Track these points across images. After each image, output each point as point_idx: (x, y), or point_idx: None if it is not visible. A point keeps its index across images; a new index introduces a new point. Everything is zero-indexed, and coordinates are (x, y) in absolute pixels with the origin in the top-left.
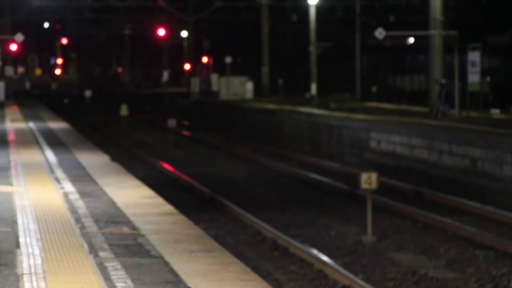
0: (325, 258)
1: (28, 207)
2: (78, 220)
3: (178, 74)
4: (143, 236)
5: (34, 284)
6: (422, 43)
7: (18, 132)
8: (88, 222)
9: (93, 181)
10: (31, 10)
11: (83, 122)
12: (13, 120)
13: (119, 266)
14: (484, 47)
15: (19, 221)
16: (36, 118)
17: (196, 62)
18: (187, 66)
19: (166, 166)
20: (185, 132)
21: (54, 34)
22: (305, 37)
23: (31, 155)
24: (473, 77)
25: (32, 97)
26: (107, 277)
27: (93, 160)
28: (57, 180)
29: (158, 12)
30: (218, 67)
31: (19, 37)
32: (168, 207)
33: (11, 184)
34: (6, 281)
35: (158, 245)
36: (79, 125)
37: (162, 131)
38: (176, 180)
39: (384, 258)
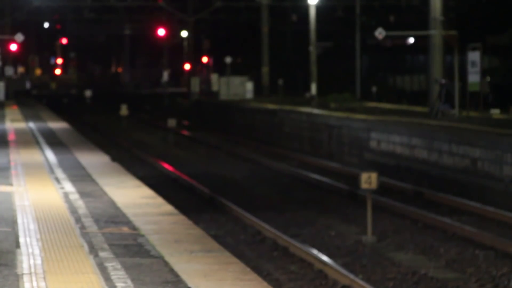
0: (325, 258)
1: (28, 207)
2: (78, 220)
3: (178, 74)
4: (143, 236)
5: (34, 284)
6: (422, 43)
7: (18, 132)
8: (88, 222)
9: (93, 181)
10: (31, 10)
11: (83, 122)
12: (13, 120)
13: (119, 266)
14: (484, 47)
15: (19, 221)
16: (36, 118)
17: (196, 62)
18: (187, 66)
19: (166, 166)
20: (185, 132)
21: (54, 34)
22: (305, 37)
23: (31, 155)
24: (473, 77)
25: (31, 97)
26: (107, 277)
27: (93, 160)
28: (57, 180)
29: (158, 12)
30: (218, 67)
31: (19, 37)
32: (168, 207)
33: (11, 184)
34: (6, 281)
35: (158, 245)
36: (79, 125)
37: (162, 131)
38: (176, 180)
39: (384, 258)
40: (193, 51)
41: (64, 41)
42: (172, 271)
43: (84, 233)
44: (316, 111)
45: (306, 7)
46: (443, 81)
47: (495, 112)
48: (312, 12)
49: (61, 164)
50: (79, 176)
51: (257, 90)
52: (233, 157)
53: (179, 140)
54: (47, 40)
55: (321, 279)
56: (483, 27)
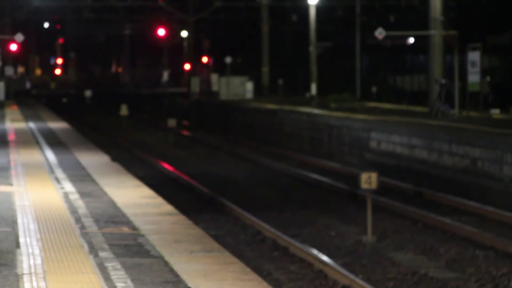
0: (325, 258)
1: (28, 207)
2: (78, 220)
3: (178, 74)
4: (143, 236)
5: (34, 284)
6: (422, 43)
7: (18, 132)
8: (88, 222)
9: (93, 181)
10: (31, 10)
11: (83, 122)
12: (13, 120)
13: (119, 266)
14: (484, 47)
15: (19, 221)
16: (36, 118)
17: (196, 62)
18: (187, 66)
19: (166, 166)
20: (185, 132)
21: (54, 34)
22: (305, 37)
23: (31, 155)
24: (473, 77)
25: (31, 97)
26: (107, 277)
27: (93, 160)
28: (57, 180)
29: (158, 12)
30: (218, 67)
31: (19, 37)
32: (168, 207)
33: (11, 184)
34: (6, 281)
35: (158, 245)
36: (79, 125)
37: (162, 131)
38: (176, 180)
39: (384, 258)
40: (193, 51)
41: (64, 41)
42: (172, 271)
43: (84, 233)
44: (316, 111)
45: (306, 7)
46: (443, 81)
47: (495, 112)
48: (312, 12)
49: (61, 164)
50: (79, 176)
51: (257, 90)
52: (233, 157)
53: (179, 140)
54: (47, 40)
55: (321, 279)
56: (483, 27)
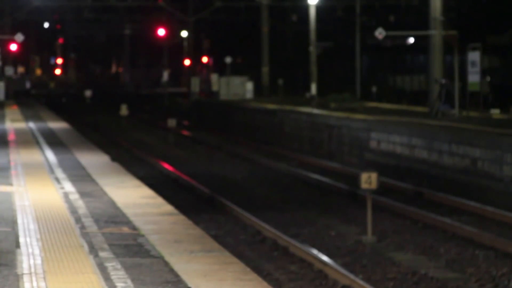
0: (325, 258)
1: (28, 207)
2: (78, 220)
3: (178, 74)
4: (143, 236)
5: (34, 284)
6: (422, 43)
7: (18, 132)
8: (88, 222)
9: (93, 181)
10: (31, 10)
11: (83, 122)
12: (13, 120)
13: (119, 266)
14: (484, 47)
15: (19, 221)
16: (36, 118)
17: (196, 62)
18: (187, 62)
19: (166, 166)
20: (185, 132)
21: (54, 34)
22: (305, 37)
23: (31, 155)
24: (473, 77)
25: (31, 97)
26: (107, 277)
27: (93, 160)
28: (57, 180)
29: (158, 12)
30: (218, 67)
31: (19, 37)
32: (168, 207)
33: (11, 184)
34: (6, 281)
35: (158, 245)
36: (79, 125)
37: (162, 131)
38: (176, 180)
39: (384, 258)
40: (193, 51)
41: (64, 41)
42: (172, 271)
43: (84, 233)
44: (316, 111)
45: (306, 7)
46: (443, 81)
47: (495, 112)
48: (312, 12)
49: (61, 164)
50: (79, 176)
51: (257, 90)
52: (233, 157)
53: (179, 140)
54: (47, 40)
55: (321, 279)
56: (483, 27)
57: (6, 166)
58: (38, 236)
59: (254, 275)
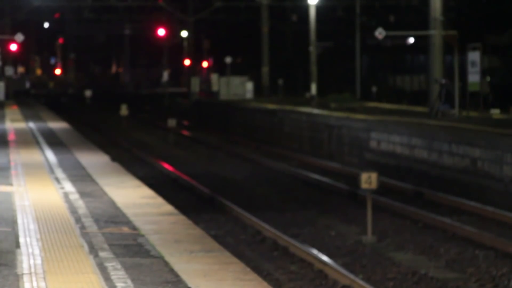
0: (325, 258)
1: (28, 207)
2: (78, 220)
3: (178, 74)
4: (143, 236)
5: (34, 284)
6: (422, 43)
7: (18, 132)
8: (88, 222)
9: (93, 181)
10: (31, 10)
11: (83, 122)
12: (13, 120)
13: (119, 266)
14: (484, 47)
15: (19, 221)
16: (36, 118)
17: (196, 62)
18: (187, 62)
19: (166, 166)
20: (185, 132)
21: (54, 34)
22: (305, 37)
23: (31, 155)
24: (473, 77)
25: (31, 97)
26: (107, 277)
27: (93, 160)
28: (57, 180)
29: (158, 12)
30: (218, 67)
31: (19, 37)
32: (168, 207)
33: (11, 184)
34: (6, 281)
35: (158, 245)
36: (79, 125)
37: (162, 131)
38: (176, 180)
39: (384, 258)
40: (193, 51)
41: (64, 41)
42: (172, 271)
43: (84, 233)
44: (316, 111)
45: (306, 7)
46: (443, 81)
47: (495, 112)
48: (312, 12)
49: (61, 164)
50: (79, 176)
51: (257, 90)
52: (233, 157)
53: (179, 140)
54: (47, 40)
55: (321, 279)
56: (483, 27)
57: (6, 166)
58: (38, 236)
59: (254, 275)
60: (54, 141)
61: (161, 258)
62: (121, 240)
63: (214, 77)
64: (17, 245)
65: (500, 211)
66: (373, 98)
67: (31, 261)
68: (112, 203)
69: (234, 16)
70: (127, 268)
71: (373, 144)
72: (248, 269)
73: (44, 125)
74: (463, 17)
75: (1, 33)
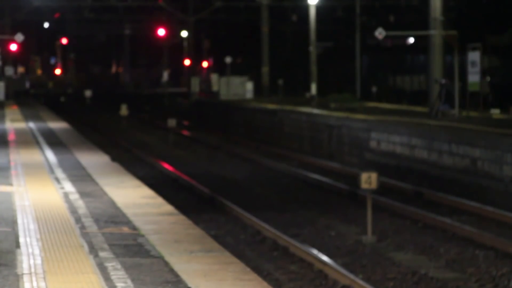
0: (325, 258)
1: (28, 207)
2: (78, 220)
3: (178, 74)
4: (143, 236)
5: (34, 284)
6: (422, 43)
7: (18, 132)
8: (88, 222)
9: (93, 181)
10: (31, 10)
11: (83, 122)
12: (13, 120)
13: (119, 266)
14: (484, 47)
15: (19, 221)
16: (36, 118)
17: (196, 62)
18: (187, 62)
19: (166, 166)
20: (185, 132)
21: (54, 34)
22: (305, 37)
23: (31, 155)
24: (473, 77)
25: (30, 97)
26: (107, 277)
27: (93, 160)
28: (57, 180)
29: (158, 12)
30: (218, 67)
31: (19, 37)
32: (168, 207)
33: (11, 184)
34: (6, 281)
35: (158, 245)
36: (79, 125)
37: (162, 131)
38: (176, 180)
39: (384, 258)
40: (193, 51)
41: (64, 41)
42: (172, 271)
43: (84, 233)
44: (316, 111)
45: (306, 7)
46: (443, 81)
47: (495, 112)
48: (312, 12)
49: (61, 164)
50: (79, 176)
51: (257, 90)
52: (233, 157)
53: (179, 140)
54: (47, 40)
55: (321, 279)
56: (483, 27)
57: (6, 166)
58: (38, 236)
59: (254, 275)
60: (54, 141)
61: (161, 258)
62: (121, 240)
63: (214, 77)
64: (17, 245)
65: (500, 211)
66: (373, 98)
67: (31, 261)
68: (112, 203)
69: (234, 16)
70: (127, 268)
71: (373, 144)
72: (248, 269)
73: (44, 125)
74: (463, 17)
75: (1, 33)
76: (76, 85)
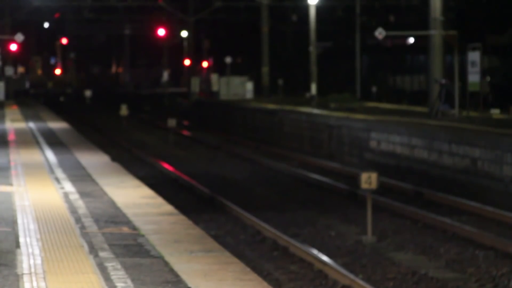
0: (325, 258)
1: (28, 207)
2: (78, 220)
3: (178, 74)
4: (143, 236)
5: (34, 284)
6: (422, 43)
7: (18, 132)
8: (88, 222)
9: (93, 181)
10: (31, 10)
11: (83, 122)
12: (13, 120)
13: (119, 266)
14: (484, 47)
15: (19, 221)
16: (36, 118)
17: (196, 62)
18: (187, 62)
19: (166, 166)
20: (185, 132)
21: (54, 34)
22: (305, 37)
23: (31, 155)
24: (473, 77)
25: (30, 97)
26: (107, 277)
27: (93, 160)
28: (57, 180)
29: (158, 12)
30: (218, 67)
31: (19, 37)
32: (168, 207)
33: (11, 184)
34: (6, 281)
35: (158, 245)
36: (79, 125)
37: (162, 131)
38: (176, 180)
39: (384, 258)
40: (193, 51)
41: (64, 41)
42: (172, 271)
43: (84, 233)
44: (316, 111)
45: (306, 7)
46: (443, 81)
47: (495, 112)
48: (312, 12)
49: (61, 164)
50: (79, 176)
51: (257, 90)
52: (233, 157)
53: (179, 140)
54: (47, 40)
55: (321, 279)
56: (483, 27)
57: (6, 166)
58: (38, 236)
59: (254, 275)
60: (54, 141)
61: (161, 258)
62: (121, 240)
63: (214, 77)
64: (17, 245)
65: (500, 211)
66: (373, 98)
67: (31, 261)
68: (112, 203)
69: (234, 16)
70: (127, 268)
71: (373, 144)
72: (248, 269)
73: (44, 125)
74: (463, 17)
75: (1, 33)
76: (76, 85)
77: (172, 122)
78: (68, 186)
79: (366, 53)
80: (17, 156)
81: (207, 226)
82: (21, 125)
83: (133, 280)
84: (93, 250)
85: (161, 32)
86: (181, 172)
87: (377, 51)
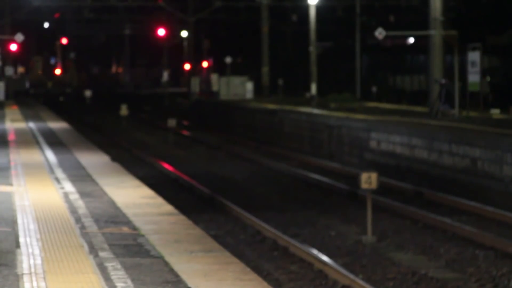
0: (325, 258)
1: (28, 207)
2: (78, 220)
3: (178, 74)
4: (143, 236)
5: (34, 284)
6: (422, 43)
7: (18, 132)
8: (88, 222)
9: (93, 181)
10: (31, 10)
11: (83, 122)
12: (13, 120)
13: (119, 266)
14: (484, 47)
15: (19, 221)
16: (36, 118)
17: (196, 62)
18: (187, 66)
19: (166, 166)
20: (185, 132)
21: (54, 34)
22: (305, 37)
23: (31, 155)
24: (473, 77)
25: (30, 96)
26: (107, 277)
27: (93, 160)
28: (57, 180)
29: (158, 12)
30: (218, 67)
31: (19, 37)
32: (168, 207)
33: (11, 184)
34: (6, 281)
35: (158, 245)
36: (79, 125)
37: (162, 131)
38: (176, 180)
39: (384, 258)
40: (193, 51)
41: (64, 41)
42: (172, 271)
43: (84, 233)
44: (316, 111)
45: (306, 7)
46: (443, 81)
47: (495, 112)
48: (312, 12)
49: (61, 164)
50: (79, 176)
51: (257, 90)
52: (233, 157)
53: (179, 140)
54: (47, 40)
55: (321, 279)
56: (483, 27)
57: (6, 166)
58: (38, 236)
59: (254, 275)
60: (54, 141)
61: (161, 258)
62: (121, 240)
63: (214, 77)
64: (17, 245)
65: (500, 211)
66: (373, 98)
67: (31, 261)
68: (112, 203)
69: (234, 16)
70: (127, 268)
71: (373, 144)
72: (248, 269)
73: (44, 125)
74: (463, 17)
75: (1, 33)
76: (76, 85)
77: (172, 122)
78: (68, 186)
79: (366, 53)
80: (17, 156)
81: (207, 226)
82: (21, 125)
83: (133, 280)
84: (93, 250)
85: (161, 32)
86: (181, 172)
87: (377, 51)
